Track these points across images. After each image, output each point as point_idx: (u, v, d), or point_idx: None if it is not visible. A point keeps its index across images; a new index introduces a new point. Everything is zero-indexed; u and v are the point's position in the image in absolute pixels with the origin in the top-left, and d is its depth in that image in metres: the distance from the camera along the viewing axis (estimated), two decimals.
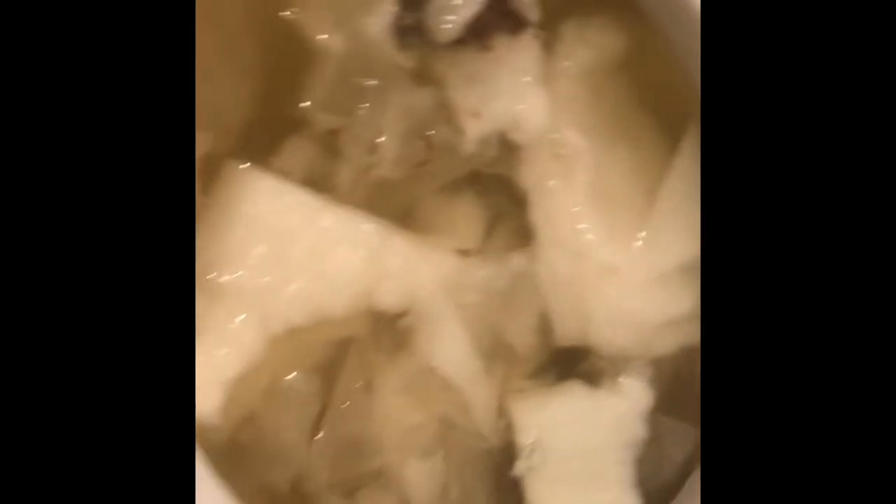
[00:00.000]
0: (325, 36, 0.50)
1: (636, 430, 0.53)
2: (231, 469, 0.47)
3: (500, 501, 0.51)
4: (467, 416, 0.51)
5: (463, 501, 0.51)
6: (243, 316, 0.48)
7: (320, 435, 0.49)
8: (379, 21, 0.50)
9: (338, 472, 0.49)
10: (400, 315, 0.50)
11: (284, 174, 0.49)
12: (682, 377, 0.53)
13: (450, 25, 0.51)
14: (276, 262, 0.48)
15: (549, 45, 0.52)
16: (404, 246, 0.50)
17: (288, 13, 0.50)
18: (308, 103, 0.50)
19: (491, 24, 0.51)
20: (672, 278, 0.53)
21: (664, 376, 0.53)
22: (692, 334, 0.53)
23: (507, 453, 0.51)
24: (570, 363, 0.52)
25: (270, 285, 0.48)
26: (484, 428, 0.51)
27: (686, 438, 0.53)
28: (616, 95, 0.53)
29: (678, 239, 0.53)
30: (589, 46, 0.53)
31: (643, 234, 0.52)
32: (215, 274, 0.47)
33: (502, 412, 0.51)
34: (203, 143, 0.48)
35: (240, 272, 0.47)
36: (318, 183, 0.49)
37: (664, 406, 0.53)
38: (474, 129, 0.51)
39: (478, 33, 0.51)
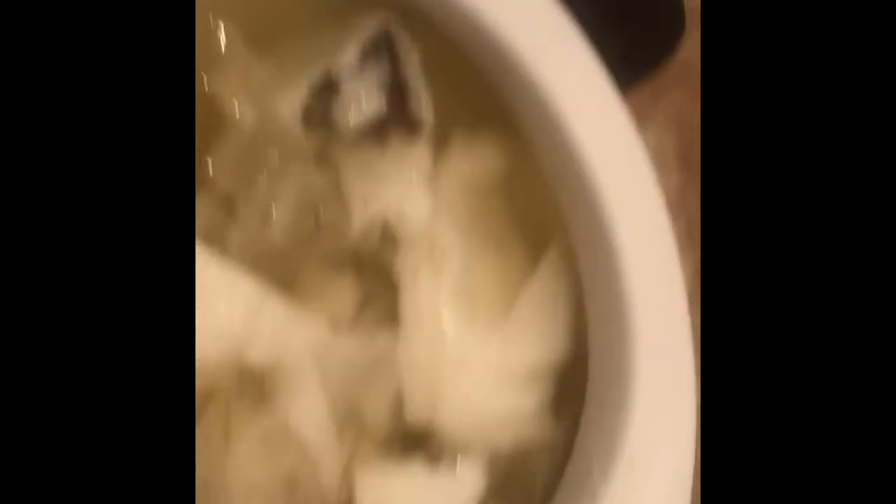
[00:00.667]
0: (239, 109, 0.55)
1: None
2: None
3: None
4: (313, 478, 0.54)
5: None
6: None
7: None
8: (291, 103, 0.55)
9: None
10: (266, 372, 0.54)
11: None
12: (516, 472, 0.59)
13: (353, 120, 0.57)
14: None
15: (439, 149, 0.58)
16: (280, 309, 0.54)
17: (207, 88, 0.55)
18: (212, 167, 0.55)
19: (390, 123, 0.58)
20: (519, 378, 0.59)
21: (499, 468, 0.59)
22: (530, 432, 0.59)
23: None
24: (415, 442, 0.57)
25: None
26: (327, 490, 0.55)
27: None
28: (490, 210, 0.60)
29: (529, 343, 0.60)
30: (473, 160, 0.60)
31: (498, 334, 0.58)
32: None
33: (347, 479, 0.55)
34: None
35: None
36: (210, 238, 0.54)
37: (496, 497, 0.58)
38: (361, 214, 0.57)
39: (378, 129, 0.58)
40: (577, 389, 0.60)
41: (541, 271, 0.59)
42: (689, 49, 0.79)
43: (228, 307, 0.54)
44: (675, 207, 0.60)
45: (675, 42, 0.79)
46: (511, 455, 0.59)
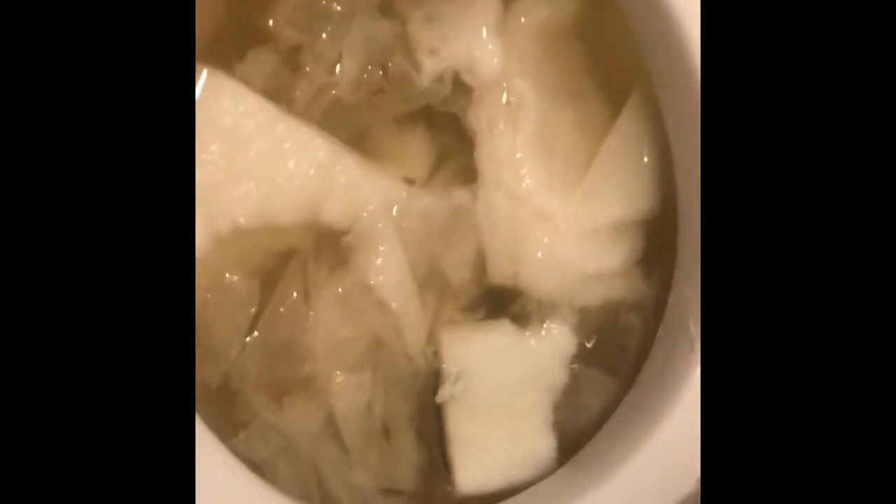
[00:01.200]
0: None
1: (557, 374, 0.56)
2: None
3: (420, 424, 0.54)
4: (398, 337, 0.53)
5: (384, 419, 0.53)
6: None
7: (254, 336, 0.51)
8: None
9: (266, 374, 0.52)
10: (343, 232, 0.53)
11: (246, 82, 0.51)
12: (605, 329, 0.58)
13: None
14: (230, 162, 0.51)
15: None
16: (354, 166, 0.53)
17: None
18: (274, 19, 0.53)
19: None
20: (604, 234, 0.57)
21: (588, 327, 0.57)
22: (618, 290, 0.57)
23: (431, 379, 0.54)
24: (500, 302, 0.56)
25: (222, 183, 0.50)
26: (412, 351, 0.54)
27: (604, 388, 0.57)
28: (567, 56, 0.58)
29: (612, 197, 0.57)
30: (546, 5, 0.57)
31: (580, 187, 0.56)
32: None
33: (431, 339, 0.54)
34: None
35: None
36: (277, 95, 0.52)
37: (586, 355, 0.57)
38: (430, 66, 0.55)
39: None
40: (667, 244, 0.57)
41: (622, 121, 0.57)
42: None
43: (299, 164, 0.52)
44: None
45: None
46: (600, 314, 0.58)
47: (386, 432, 0.54)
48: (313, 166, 0.52)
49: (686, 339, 0.53)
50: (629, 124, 0.57)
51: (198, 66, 0.51)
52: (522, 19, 0.57)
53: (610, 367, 0.57)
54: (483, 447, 0.54)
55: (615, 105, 0.57)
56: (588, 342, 0.57)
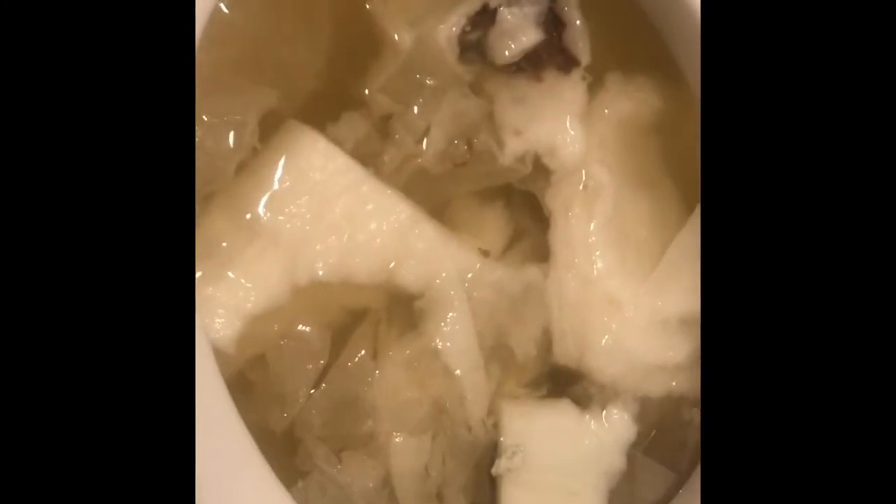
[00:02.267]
0: (398, 32, 0.57)
1: (615, 460, 0.58)
2: (235, 401, 0.51)
3: (474, 494, 0.55)
4: (460, 405, 0.55)
5: (440, 485, 0.55)
6: (273, 257, 0.53)
7: (321, 388, 0.54)
8: (447, 30, 0.57)
9: (330, 426, 0.54)
10: (416, 296, 0.56)
11: (338, 143, 0.55)
12: (666, 422, 0.59)
13: (508, 51, 0.58)
14: (315, 217, 0.54)
15: (593, 89, 0.60)
16: (432, 232, 0.56)
17: (368, 6, 0.57)
18: (370, 87, 0.57)
19: (545, 57, 0.59)
20: (671, 326, 0.59)
21: (649, 417, 0.59)
22: (682, 384, 0.59)
23: (489, 451, 0.56)
24: (562, 382, 0.58)
25: (306, 236, 0.53)
26: (473, 421, 0.56)
27: (661, 480, 0.58)
28: (646, 149, 0.61)
29: (682, 291, 0.60)
30: (630, 100, 0.61)
31: (651, 278, 0.59)
32: (257, 213, 0.53)
33: (492, 411, 0.56)
34: (269, 99, 0.54)
35: (280, 217, 0.53)
36: (366, 159, 0.56)
37: (644, 445, 0.58)
38: (514, 146, 0.58)
39: (532, 63, 0.59)
40: None
41: (696, 217, 0.60)
42: None
43: (380, 226, 0.55)
44: None
45: None
46: (661, 405, 0.59)
47: (440, 498, 0.55)
48: (394, 229, 0.55)
49: None
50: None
51: (294, 122, 0.54)
52: (606, 110, 0.60)
53: (667, 460, 0.58)
54: None
55: (690, 200, 0.60)
56: (647, 432, 0.58)
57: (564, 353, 0.58)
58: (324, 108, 0.56)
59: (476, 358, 0.56)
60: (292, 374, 0.53)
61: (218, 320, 0.52)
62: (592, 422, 0.58)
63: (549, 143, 0.59)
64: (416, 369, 0.55)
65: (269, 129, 0.55)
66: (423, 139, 0.58)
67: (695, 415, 0.59)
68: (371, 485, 0.54)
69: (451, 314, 0.56)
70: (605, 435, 0.58)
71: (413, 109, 0.58)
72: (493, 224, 0.59)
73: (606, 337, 0.58)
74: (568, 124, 0.59)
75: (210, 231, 0.52)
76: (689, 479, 0.58)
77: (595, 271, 0.59)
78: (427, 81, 0.58)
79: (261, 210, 0.54)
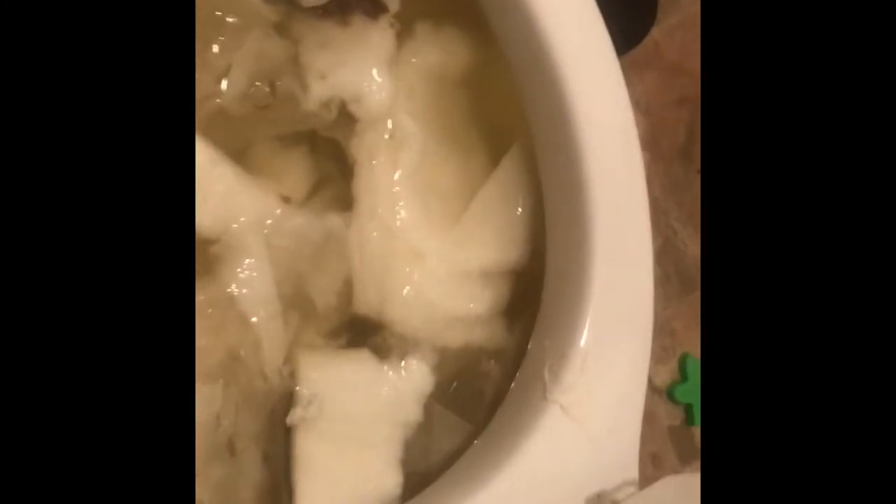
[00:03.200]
0: None
1: (413, 411, 0.59)
2: None
3: (268, 445, 0.55)
4: (255, 353, 0.55)
5: (231, 434, 0.54)
6: None
7: None
8: None
9: None
10: (212, 241, 0.55)
11: None
12: (464, 373, 0.60)
13: None
14: None
15: (402, 37, 0.60)
16: (231, 176, 0.55)
17: None
18: None
19: (353, 2, 0.59)
20: (473, 278, 0.60)
21: (448, 368, 0.60)
22: (481, 335, 0.60)
23: (284, 400, 0.56)
24: (362, 332, 0.58)
25: None
26: (268, 369, 0.55)
27: (457, 431, 0.59)
28: (454, 102, 0.62)
29: (485, 243, 0.61)
30: (439, 50, 0.61)
31: (454, 230, 0.60)
32: None
33: (289, 360, 0.56)
34: None
35: None
36: None
37: (442, 396, 0.59)
38: (318, 90, 0.58)
39: (340, 6, 0.59)
40: (532, 295, 0.61)
41: (500, 170, 0.61)
42: (659, 33, 0.83)
43: None
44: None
45: (649, 26, 0.84)
46: (460, 357, 0.60)
47: (231, 448, 0.54)
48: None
49: (539, 387, 0.56)
50: (507, 174, 0.61)
51: None
52: (414, 60, 0.60)
53: (465, 411, 0.59)
54: (329, 476, 0.55)
55: (496, 155, 0.61)
56: (446, 383, 0.59)
57: (365, 303, 0.58)
58: None
59: (274, 306, 0.56)
60: None
61: None
62: (391, 372, 0.58)
63: (354, 91, 0.59)
64: (210, 316, 0.54)
65: None
66: (222, 79, 0.56)
67: (493, 367, 0.60)
68: None
69: (248, 260, 0.55)
70: (403, 385, 0.58)
71: (213, 48, 0.56)
72: (296, 170, 0.58)
73: (408, 288, 0.59)
74: (375, 72, 0.59)
75: None
76: (484, 431, 0.59)
77: (398, 221, 0.59)
78: (228, 19, 0.57)
79: None
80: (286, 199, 0.57)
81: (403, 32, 0.60)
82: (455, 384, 0.60)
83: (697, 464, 0.81)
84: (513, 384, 0.60)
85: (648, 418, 0.58)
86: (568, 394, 0.55)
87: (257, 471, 0.55)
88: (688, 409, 0.82)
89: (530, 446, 0.54)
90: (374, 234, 0.58)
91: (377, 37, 0.59)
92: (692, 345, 0.83)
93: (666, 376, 0.83)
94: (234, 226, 0.55)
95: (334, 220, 0.58)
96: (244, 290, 0.55)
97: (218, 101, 0.56)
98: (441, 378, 0.59)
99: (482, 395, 0.60)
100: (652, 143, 0.84)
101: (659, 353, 0.82)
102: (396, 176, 0.59)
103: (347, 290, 0.58)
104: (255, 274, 0.55)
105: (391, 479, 0.57)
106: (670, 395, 0.82)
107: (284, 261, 0.56)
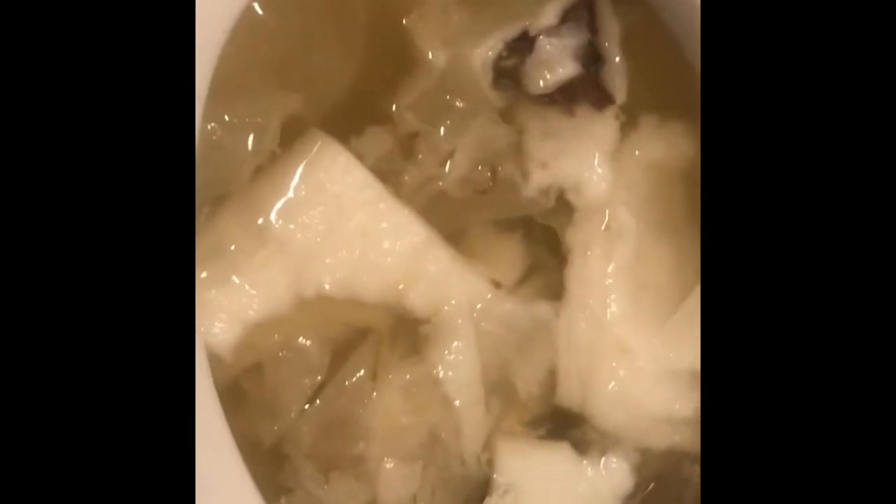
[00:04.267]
0: (432, 51, 0.58)
1: None
2: (226, 409, 0.51)
3: None
4: (456, 436, 0.56)
5: None
6: (281, 266, 0.53)
7: (315, 404, 0.54)
8: (483, 54, 0.58)
9: (320, 445, 0.54)
10: (422, 321, 0.56)
11: (359, 156, 0.56)
12: (665, 477, 0.59)
13: (543, 81, 0.59)
14: (328, 229, 0.54)
15: (625, 129, 0.60)
16: (446, 258, 0.56)
17: (405, 21, 0.58)
18: (398, 104, 0.57)
19: (580, 91, 0.60)
20: (682, 379, 0.59)
21: (648, 470, 0.59)
22: (686, 439, 0.59)
23: (481, 486, 0.56)
24: (563, 424, 0.58)
25: (316, 247, 0.54)
26: (467, 454, 0.56)
27: None
28: (673, 197, 0.61)
29: (696, 344, 0.59)
30: (662, 144, 0.61)
31: (666, 328, 0.59)
32: (269, 220, 0.53)
33: (488, 446, 0.56)
34: (293, 104, 0.55)
35: (292, 226, 0.53)
36: (386, 176, 0.56)
37: (640, 498, 0.58)
38: (539, 178, 0.59)
39: (566, 96, 0.60)
40: None
41: None
42: None
43: (393, 246, 0.55)
44: None
45: None
46: (662, 459, 0.59)
47: None
48: (407, 250, 0.55)
49: None
50: None
51: (317, 131, 0.55)
52: (637, 152, 0.60)
53: None
54: None
55: None
56: (645, 485, 0.58)
57: (568, 395, 0.58)
58: (349, 120, 0.57)
59: (477, 390, 0.56)
60: (287, 387, 0.54)
61: (218, 324, 0.52)
62: (589, 468, 0.58)
63: (575, 180, 0.59)
64: (415, 395, 0.55)
65: (291, 136, 0.55)
66: (446, 162, 0.58)
67: (694, 472, 0.59)
68: None
69: (456, 343, 0.56)
70: (601, 483, 0.58)
71: (440, 130, 0.58)
72: (509, 256, 0.59)
73: (613, 383, 0.58)
74: (596, 162, 0.59)
75: (219, 233, 0.53)
76: None
77: (608, 315, 0.59)
78: (457, 104, 0.58)
79: (273, 217, 0.54)
80: (497, 284, 0.57)
81: (628, 124, 0.60)
82: (652, 485, 0.58)
83: None
84: None
85: None
86: None
87: None
88: None
89: None
90: (583, 325, 0.58)
91: (601, 128, 0.60)
92: None
93: None
94: (446, 308, 0.56)
95: (543, 309, 0.58)
96: (450, 373, 0.56)
97: (440, 183, 0.57)
98: (640, 479, 0.58)
99: (681, 500, 0.59)
100: None
101: None
102: (610, 268, 0.59)
103: (551, 381, 0.58)
104: (461, 357, 0.56)
105: None
106: None
107: (491, 346, 0.57)
